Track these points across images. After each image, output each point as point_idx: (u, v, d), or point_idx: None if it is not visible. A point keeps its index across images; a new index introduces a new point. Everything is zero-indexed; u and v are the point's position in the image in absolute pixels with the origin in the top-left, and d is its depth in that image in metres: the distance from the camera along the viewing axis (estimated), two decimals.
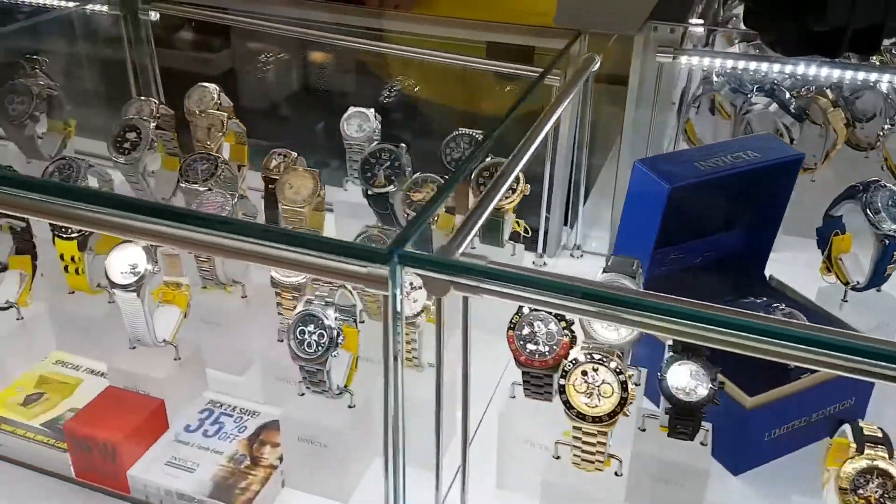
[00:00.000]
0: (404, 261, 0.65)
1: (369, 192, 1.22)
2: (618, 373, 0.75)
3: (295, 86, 1.83)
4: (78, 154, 1.57)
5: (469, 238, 0.71)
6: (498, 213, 1.18)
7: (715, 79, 1.53)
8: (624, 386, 0.74)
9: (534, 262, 1.43)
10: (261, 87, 1.82)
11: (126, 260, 0.93)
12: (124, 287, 0.92)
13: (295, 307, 0.96)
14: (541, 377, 0.83)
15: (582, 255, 1.49)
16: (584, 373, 0.75)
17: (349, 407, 0.91)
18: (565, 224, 1.51)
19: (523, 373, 0.84)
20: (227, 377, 1.13)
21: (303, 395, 0.93)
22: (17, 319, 1.07)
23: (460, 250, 0.69)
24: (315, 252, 0.68)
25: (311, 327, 0.86)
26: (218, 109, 1.45)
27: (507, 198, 1.17)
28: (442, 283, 0.66)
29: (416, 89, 1.52)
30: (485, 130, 1.28)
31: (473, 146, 1.27)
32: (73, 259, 1.06)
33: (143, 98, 1.42)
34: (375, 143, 1.25)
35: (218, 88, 1.46)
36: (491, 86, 1.57)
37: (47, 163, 1.51)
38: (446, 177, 1.17)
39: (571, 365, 0.76)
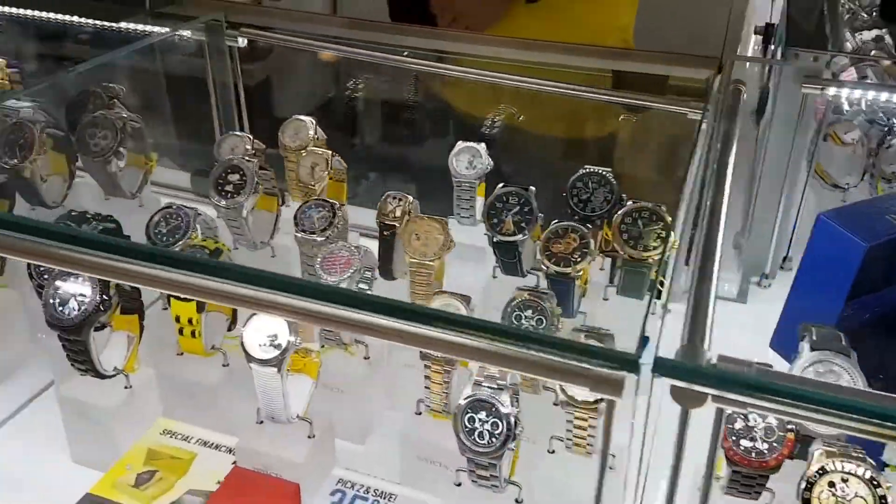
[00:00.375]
0: (660, 370, 0.54)
1: (495, 240, 1.11)
2: (874, 485, 0.64)
3: (379, 114, 1.73)
4: (155, 185, 1.49)
5: (709, 331, 0.60)
6: (642, 263, 1.07)
7: (846, 108, 1.42)
8: (883, 500, 0.63)
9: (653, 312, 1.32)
10: (342, 116, 1.72)
11: (265, 331, 0.83)
12: (264, 362, 0.82)
13: (445, 382, 0.86)
14: (754, 477, 0.72)
15: None
16: (832, 484, 0.64)
17: (517, 502, 0.81)
18: (685, 264, 1.39)
19: (733, 471, 0.73)
20: (347, 446, 1.03)
21: (459, 484, 0.82)
22: (126, 388, 0.98)
23: (706, 346, 0.58)
24: (545, 351, 0.57)
25: (482, 415, 0.75)
26: (314, 144, 1.36)
27: (654, 248, 1.06)
28: (697, 394, 0.55)
29: (519, 118, 1.42)
30: (612, 167, 1.18)
31: (603, 185, 1.16)
32: (189, 321, 0.96)
33: (237, 133, 1.33)
34: (501, 186, 1.14)
35: (314, 121, 1.37)
36: (603, 116, 1.46)
37: (129, 200, 1.45)
38: (590, 226, 1.06)
39: (817, 475, 0.65)
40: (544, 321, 0.87)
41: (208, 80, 1.49)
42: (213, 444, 1.00)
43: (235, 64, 1.47)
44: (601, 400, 0.78)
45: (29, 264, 1.00)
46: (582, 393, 0.77)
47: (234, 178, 1.19)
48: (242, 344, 0.84)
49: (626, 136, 1.47)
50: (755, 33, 2.61)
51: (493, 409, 0.75)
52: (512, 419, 0.74)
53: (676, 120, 1.40)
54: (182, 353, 1.03)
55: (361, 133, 1.74)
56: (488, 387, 0.76)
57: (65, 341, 0.90)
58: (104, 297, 0.89)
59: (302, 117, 1.37)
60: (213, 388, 1.01)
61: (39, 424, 1.08)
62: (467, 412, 0.76)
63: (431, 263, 1.03)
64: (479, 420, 0.75)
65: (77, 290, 0.89)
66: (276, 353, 0.82)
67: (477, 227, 1.33)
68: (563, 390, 0.79)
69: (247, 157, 1.21)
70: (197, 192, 1.80)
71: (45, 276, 0.98)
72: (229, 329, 1.06)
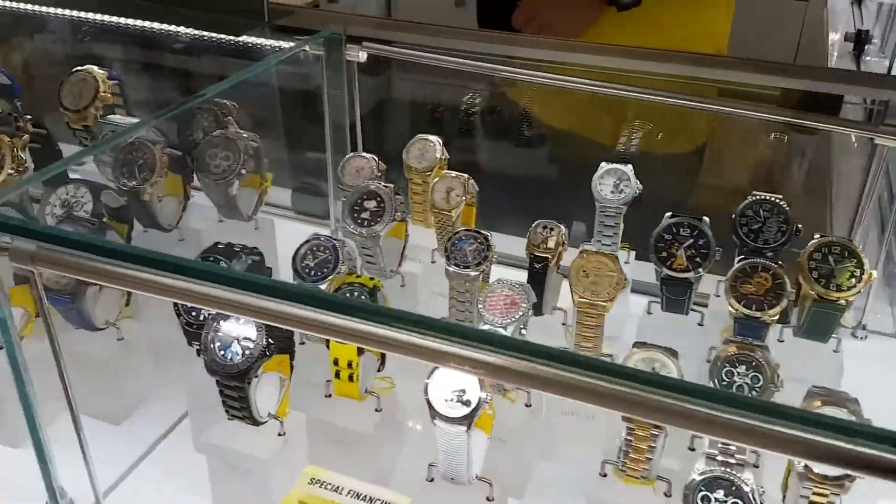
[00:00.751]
0: None
1: (664, 275, 1.02)
2: None
3: (494, 130, 1.64)
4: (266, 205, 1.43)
5: None
6: (834, 304, 0.96)
7: None
8: None
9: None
10: (456, 132, 1.64)
11: (451, 385, 0.75)
12: (452, 420, 0.74)
13: (652, 447, 0.77)
14: None
15: (866, 336, 1.26)
16: None
17: None
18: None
19: None
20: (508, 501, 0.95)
21: None
22: (280, 435, 0.91)
23: None
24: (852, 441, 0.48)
25: (719, 493, 0.66)
26: (441, 165, 1.29)
27: (849, 287, 0.95)
28: None
29: (658, 137, 1.32)
30: (782, 193, 1.08)
31: (776, 214, 1.05)
32: (349, 364, 0.89)
33: (363, 155, 1.26)
34: (669, 215, 1.04)
35: (440, 141, 1.29)
36: (752, 134, 1.36)
37: (244, 223, 1.38)
38: (776, 262, 0.96)
39: None
40: (761, 379, 0.77)
41: (323, 95, 1.42)
42: (365, 496, 0.92)
43: (353, 79, 1.40)
44: (848, 476, 0.69)
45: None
46: (827, 468, 0.67)
47: (371, 204, 1.12)
48: (427, 399, 0.76)
49: (776, 155, 1.37)
50: (845, 40, 2.45)
51: (734, 489, 0.66)
52: (757, 499, 0.65)
53: (828, 141, 1.30)
54: (330, 395, 0.96)
55: (475, 150, 1.66)
56: (725, 460, 0.67)
57: (224, 387, 0.83)
58: (269, 340, 0.82)
59: (428, 136, 1.30)
60: (364, 434, 0.93)
61: (174, 466, 1.02)
62: (701, 490, 0.67)
63: (604, 304, 0.94)
64: (717, 500, 0.66)
65: (241, 333, 0.82)
66: (467, 410, 0.74)
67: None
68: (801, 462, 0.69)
69: (384, 184, 1.14)
70: (297, 211, 1.75)
71: (194, 313, 0.92)
72: (378, 370, 0.98)
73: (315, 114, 1.53)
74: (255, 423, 0.87)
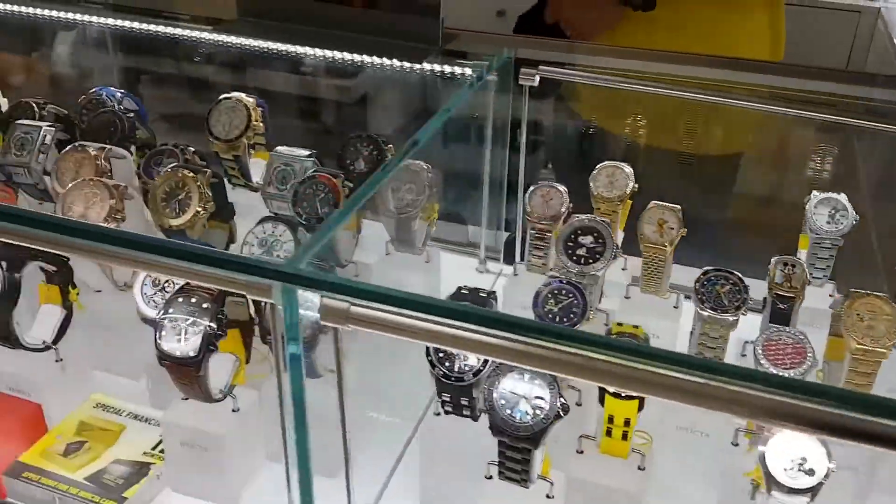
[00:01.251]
0: None
1: None
2: None
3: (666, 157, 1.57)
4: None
5: None
6: None
7: None
8: None
9: None
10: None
11: (790, 452, 0.68)
12: (793, 491, 0.68)
13: None
14: None
15: None
16: None
17: None
18: None
19: None
20: None
21: None
22: (549, 497, 0.84)
23: None
24: None
25: None
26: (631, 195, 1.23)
27: None
28: None
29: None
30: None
31: None
32: (626, 422, 0.83)
33: (555, 186, 1.20)
34: None
35: (631, 168, 1.23)
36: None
37: (414, 256, 1.32)
38: None
39: None
40: None
41: (487, 121, 1.37)
42: None
43: (524, 104, 1.34)
44: None
45: (428, 349, 0.87)
46: None
47: (587, 240, 1.06)
48: (766, 467, 0.69)
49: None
50: None
51: None
52: None
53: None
54: (582, 452, 0.90)
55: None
56: None
57: (507, 448, 0.77)
58: (563, 400, 0.75)
59: (618, 163, 1.24)
60: (630, 494, 0.86)
61: None
62: None
63: (882, 351, 0.87)
64: None
65: (530, 392, 0.76)
66: (811, 480, 0.68)
67: (823, 288, 1.19)
68: None
69: (600, 218, 1.07)
70: (433, 239, 1.68)
71: (447, 364, 0.86)
72: None
73: (469, 138, 1.47)
74: (528, 484, 0.81)
